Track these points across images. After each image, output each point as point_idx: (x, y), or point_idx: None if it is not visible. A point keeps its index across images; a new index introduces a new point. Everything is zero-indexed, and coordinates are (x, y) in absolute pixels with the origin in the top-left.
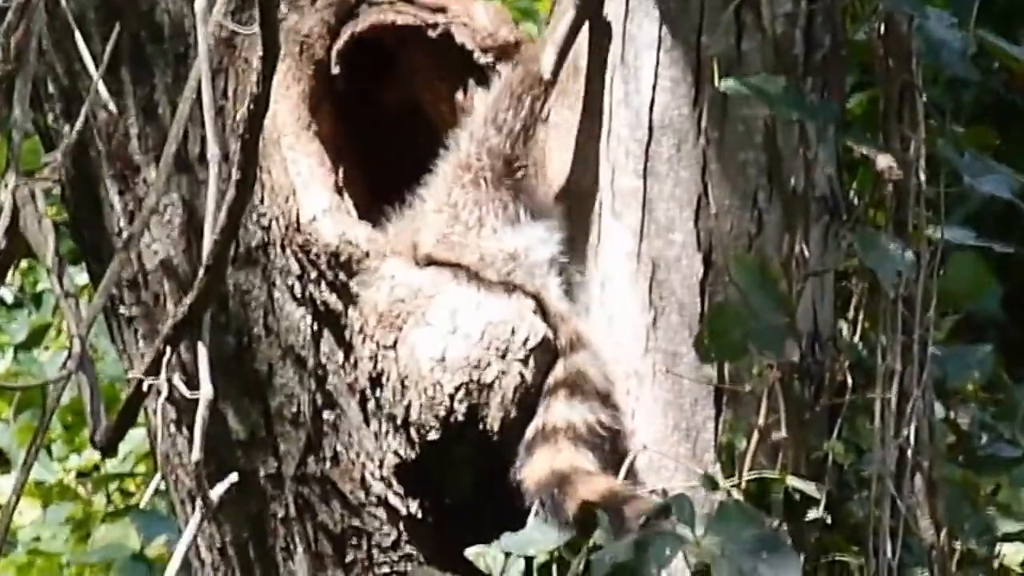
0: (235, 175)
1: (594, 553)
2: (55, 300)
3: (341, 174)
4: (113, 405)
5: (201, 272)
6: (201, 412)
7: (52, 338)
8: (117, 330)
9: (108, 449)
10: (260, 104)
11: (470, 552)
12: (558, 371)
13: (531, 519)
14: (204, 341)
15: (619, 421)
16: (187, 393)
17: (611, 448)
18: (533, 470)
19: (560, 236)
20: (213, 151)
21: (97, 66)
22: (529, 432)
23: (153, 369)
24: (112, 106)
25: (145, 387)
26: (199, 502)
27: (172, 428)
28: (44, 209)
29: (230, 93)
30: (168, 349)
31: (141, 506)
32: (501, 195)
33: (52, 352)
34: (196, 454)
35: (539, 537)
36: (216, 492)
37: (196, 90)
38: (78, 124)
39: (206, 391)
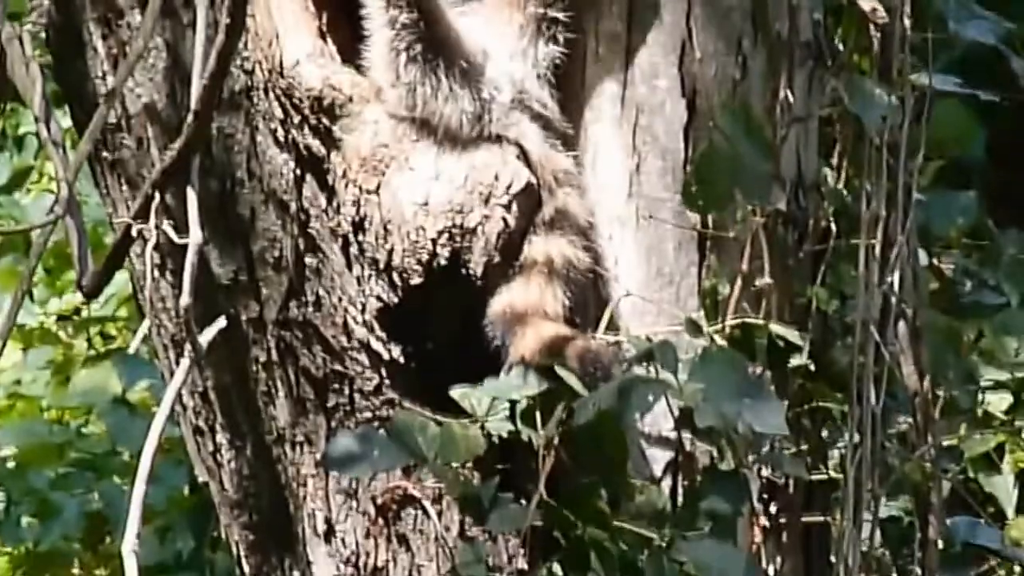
0: (224, 20)
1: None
2: (38, 143)
3: (325, 19)
4: (96, 249)
5: (190, 118)
6: (190, 257)
7: (33, 181)
8: (100, 174)
9: (94, 294)
10: None
11: (455, 392)
12: (544, 211)
13: (515, 366)
14: (193, 186)
15: (600, 262)
16: (176, 238)
17: (594, 292)
18: (498, 301)
19: (532, 49)
20: None
21: None
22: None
23: (141, 214)
24: None
25: (134, 232)
26: (187, 347)
27: (156, 273)
28: (31, 53)
29: None
30: (156, 194)
31: (129, 351)
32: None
33: (34, 195)
34: (185, 299)
35: (522, 384)
36: (204, 337)
37: None
38: None
39: (195, 236)
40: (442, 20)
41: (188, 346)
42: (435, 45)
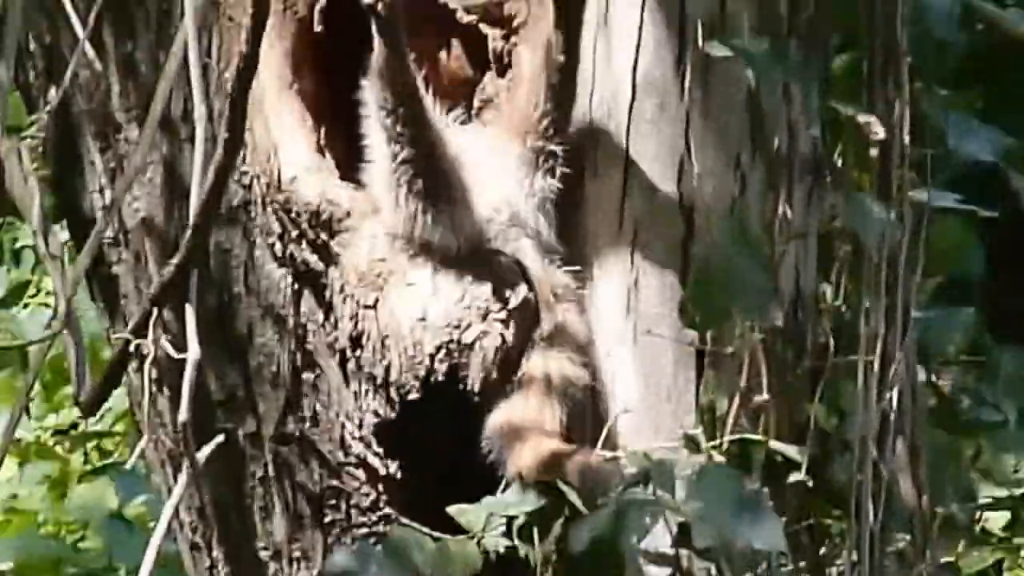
0: (222, 135)
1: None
2: (35, 257)
3: (323, 133)
4: (94, 364)
5: (188, 232)
6: (189, 373)
7: (31, 295)
8: (98, 288)
9: (92, 409)
10: (249, 63)
11: (452, 509)
12: (542, 326)
13: (514, 483)
14: (191, 301)
15: (598, 379)
16: (174, 354)
17: (591, 409)
18: (496, 416)
19: (530, 180)
20: (200, 111)
21: (83, 24)
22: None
23: (139, 329)
24: (97, 65)
25: (131, 348)
26: (185, 463)
27: (153, 388)
28: (30, 167)
29: (214, 51)
30: (154, 309)
31: (127, 467)
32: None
33: (31, 309)
34: (183, 415)
35: (520, 501)
36: (202, 454)
37: (182, 49)
38: (64, 82)
39: (193, 352)
40: (443, 156)
41: (186, 462)
42: (436, 179)
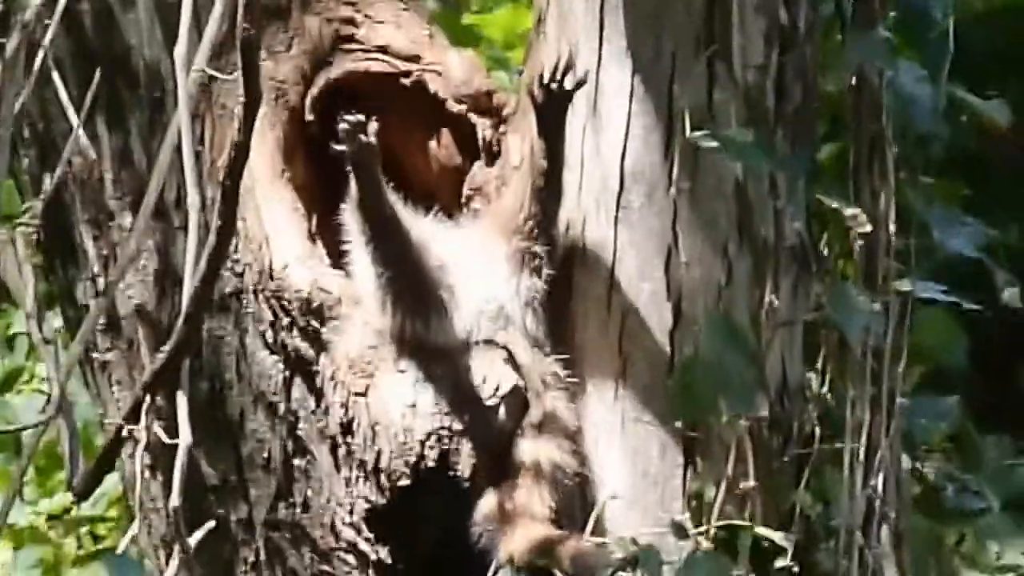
0: (215, 223)
1: None
2: (29, 344)
3: (314, 221)
4: (86, 449)
5: (180, 320)
6: (180, 459)
7: (25, 380)
8: (91, 375)
9: (86, 495)
10: (241, 152)
11: None
12: (532, 414)
13: (502, 572)
14: (183, 388)
15: (587, 465)
16: (166, 440)
17: (579, 495)
18: (486, 502)
19: (516, 280)
20: (193, 199)
21: (77, 113)
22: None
23: (132, 416)
24: (92, 154)
25: (125, 433)
26: (176, 548)
27: (147, 473)
28: (25, 255)
29: (207, 139)
30: (147, 396)
31: (119, 552)
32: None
33: (25, 396)
34: (175, 500)
35: None
36: (194, 539)
37: (176, 137)
38: (58, 172)
39: (185, 438)
40: (428, 270)
41: (177, 547)
42: (420, 291)
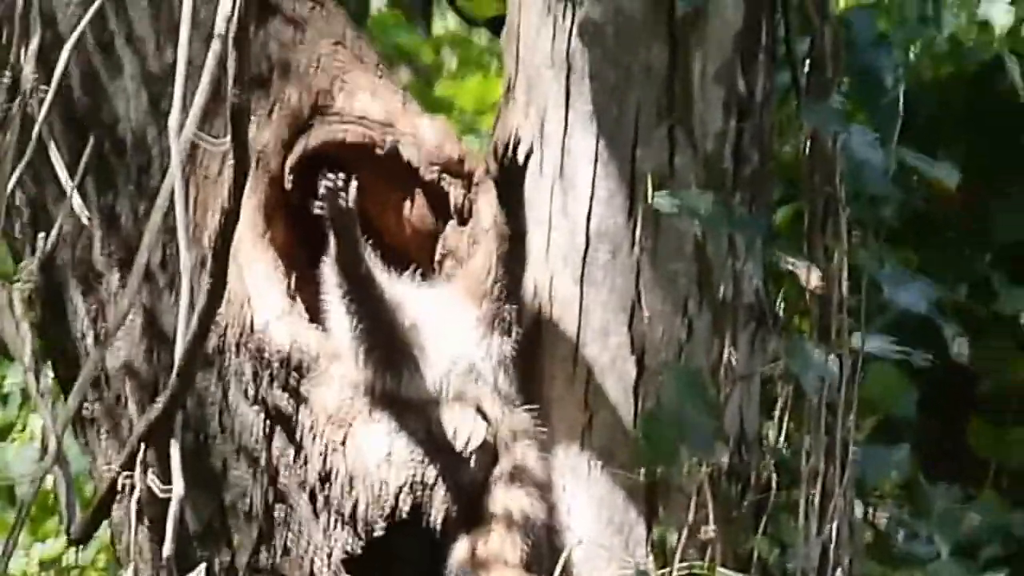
0: (206, 283)
1: None
2: (20, 397)
3: (294, 279)
4: (78, 497)
5: (174, 375)
6: (173, 508)
7: (19, 430)
8: (80, 427)
9: (84, 540)
10: (231, 217)
11: None
12: (503, 464)
13: None
14: (177, 440)
15: (555, 515)
16: (159, 490)
17: (548, 542)
18: (459, 549)
19: (487, 341)
20: (185, 260)
21: (71, 177)
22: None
23: (126, 466)
24: (86, 217)
25: (119, 483)
26: None
27: (133, 521)
28: (21, 313)
29: (191, 202)
30: (142, 446)
31: None
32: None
33: (17, 446)
34: (168, 549)
35: None
36: None
37: (166, 200)
38: (53, 233)
39: (178, 488)
40: (400, 327)
41: None
42: (393, 347)
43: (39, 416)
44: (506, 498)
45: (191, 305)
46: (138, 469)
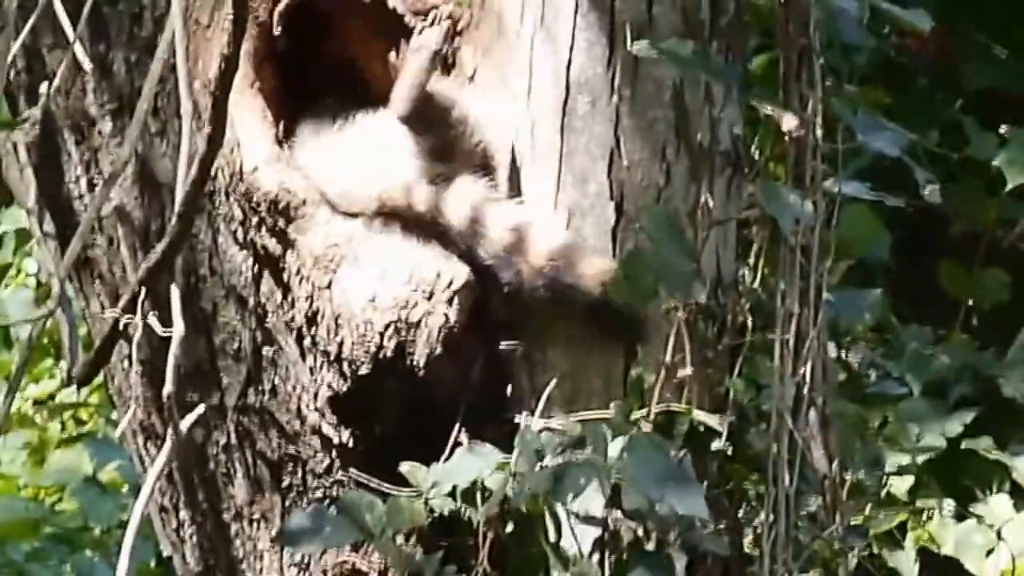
0: (206, 130)
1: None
2: (15, 242)
3: (282, 127)
4: None
5: (175, 218)
6: (174, 349)
7: (13, 275)
8: (75, 271)
9: (85, 382)
10: (230, 65)
11: (404, 467)
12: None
13: (458, 450)
14: (177, 283)
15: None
16: (161, 332)
17: (529, 379)
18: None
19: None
20: (186, 107)
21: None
22: None
23: (127, 309)
24: (87, 64)
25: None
26: (169, 432)
27: (126, 363)
28: (26, 159)
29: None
30: (143, 289)
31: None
32: None
33: (11, 289)
34: (168, 388)
35: (464, 468)
36: (184, 424)
37: (165, 50)
38: (53, 83)
39: (179, 329)
40: None
41: (170, 430)
42: None
43: (34, 259)
44: None
45: (191, 149)
46: (139, 311)
